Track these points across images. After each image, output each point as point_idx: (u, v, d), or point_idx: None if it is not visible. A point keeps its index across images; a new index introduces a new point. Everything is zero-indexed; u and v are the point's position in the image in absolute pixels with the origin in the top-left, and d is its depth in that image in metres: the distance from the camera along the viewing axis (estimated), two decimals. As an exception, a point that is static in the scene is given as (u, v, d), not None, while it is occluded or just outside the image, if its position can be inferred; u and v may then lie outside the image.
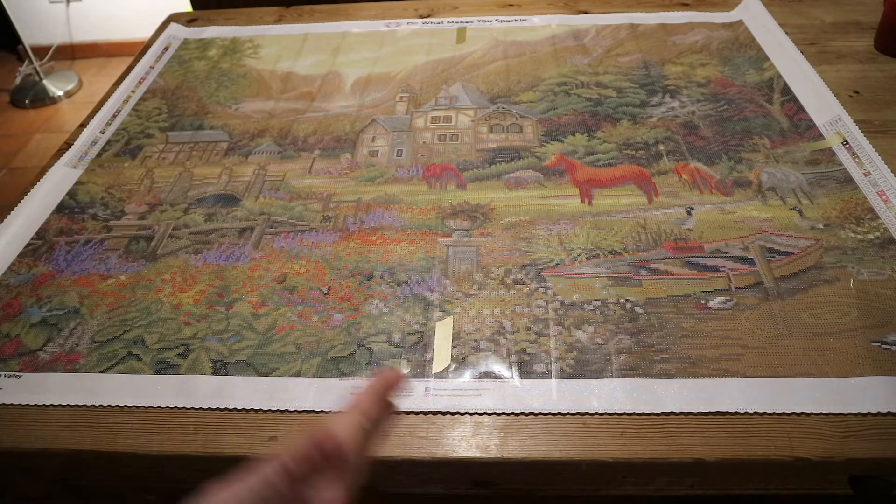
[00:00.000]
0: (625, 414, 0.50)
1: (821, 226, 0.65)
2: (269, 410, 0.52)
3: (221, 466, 0.51)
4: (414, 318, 0.59)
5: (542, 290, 0.60)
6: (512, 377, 0.53)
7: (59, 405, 0.54)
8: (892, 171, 0.69)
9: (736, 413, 0.50)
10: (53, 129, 2.39)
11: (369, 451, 0.38)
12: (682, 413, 0.50)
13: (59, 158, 0.82)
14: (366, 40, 1.04)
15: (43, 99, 2.52)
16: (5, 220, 0.72)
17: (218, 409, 0.53)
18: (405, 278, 0.63)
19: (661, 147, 0.77)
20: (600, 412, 0.50)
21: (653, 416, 0.50)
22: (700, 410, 0.50)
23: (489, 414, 0.51)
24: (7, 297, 0.64)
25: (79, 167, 0.81)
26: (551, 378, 0.53)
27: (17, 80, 2.60)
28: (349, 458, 0.35)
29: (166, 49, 1.05)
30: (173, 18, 1.14)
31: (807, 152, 0.74)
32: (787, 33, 0.93)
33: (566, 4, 1.09)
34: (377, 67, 0.97)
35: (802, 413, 0.49)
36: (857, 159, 0.71)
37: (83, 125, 0.89)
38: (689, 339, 0.55)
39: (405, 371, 0.55)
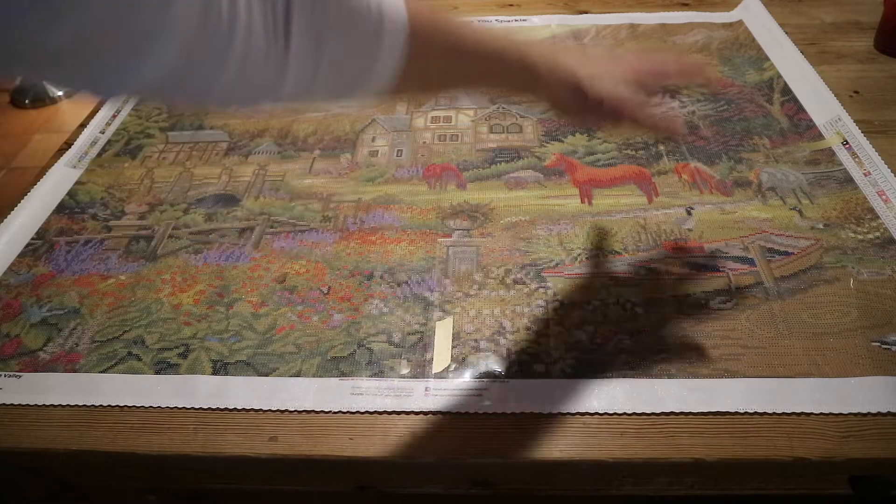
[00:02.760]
0: (625, 414, 0.50)
1: (821, 226, 0.65)
2: (269, 410, 0.52)
3: (221, 466, 0.52)
4: (414, 318, 0.59)
5: (542, 290, 0.60)
6: (512, 377, 0.53)
7: (59, 405, 0.54)
8: (892, 171, 0.69)
9: (736, 413, 0.50)
10: (53, 129, 2.39)
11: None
12: (682, 413, 0.50)
13: (59, 158, 0.82)
14: (366, 40, 1.04)
15: (43, 99, 2.52)
16: (5, 220, 0.72)
17: (218, 409, 0.53)
18: (405, 278, 0.63)
19: (661, 147, 0.77)
20: (600, 412, 0.50)
21: (653, 416, 0.50)
22: (700, 410, 0.50)
23: (489, 414, 0.51)
24: (7, 297, 0.64)
25: (79, 167, 0.81)
26: (551, 378, 0.53)
27: (17, 80, 2.60)
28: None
29: (166, 49, 1.05)
30: (173, 18, 1.13)
31: (807, 152, 0.74)
32: (787, 33, 0.93)
33: (566, 4, 1.09)
34: (377, 67, 0.97)
35: (802, 413, 0.49)
36: (857, 159, 0.71)
37: (83, 125, 0.89)
38: (690, 339, 0.55)
39: (405, 371, 0.55)
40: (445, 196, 0.73)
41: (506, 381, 0.53)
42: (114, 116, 0.90)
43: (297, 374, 0.55)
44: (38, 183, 0.78)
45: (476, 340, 0.57)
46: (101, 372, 0.56)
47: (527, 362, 0.54)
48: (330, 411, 0.52)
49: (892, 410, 0.49)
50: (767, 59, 0.90)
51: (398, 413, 0.52)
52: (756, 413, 0.49)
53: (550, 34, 1.01)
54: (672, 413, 0.50)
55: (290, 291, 0.62)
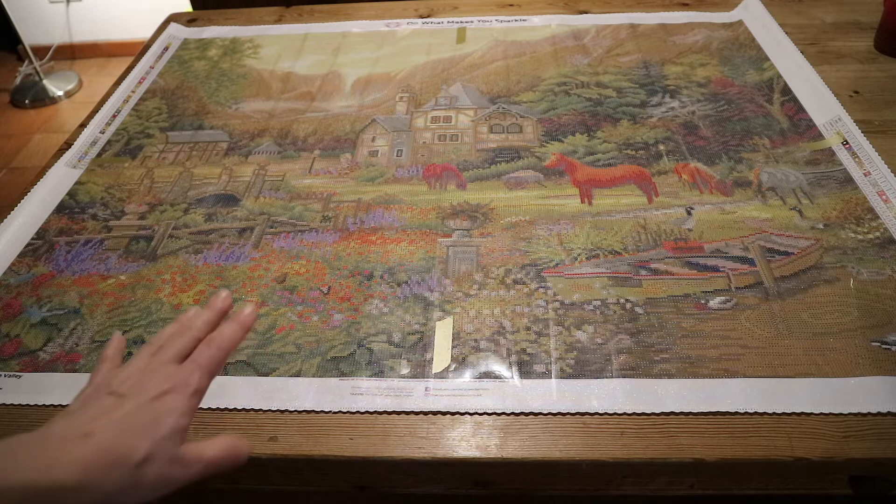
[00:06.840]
0: (625, 414, 0.50)
1: (821, 226, 0.65)
2: (269, 410, 0.52)
3: (221, 466, 0.51)
4: (414, 318, 0.59)
5: (542, 290, 0.60)
6: (512, 377, 0.53)
7: (59, 405, 0.54)
8: (892, 171, 0.69)
9: (736, 413, 0.50)
10: (53, 129, 2.39)
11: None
12: (682, 413, 0.50)
13: (59, 158, 0.82)
14: (366, 40, 1.04)
15: (43, 99, 2.52)
16: (5, 220, 0.72)
17: (218, 409, 0.53)
18: (405, 278, 0.63)
19: (661, 147, 0.77)
20: (600, 412, 0.50)
21: (653, 416, 0.50)
22: (700, 410, 0.50)
23: (489, 414, 0.51)
24: (7, 297, 0.64)
25: (79, 167, 0.81)
26: (551, 378, 0.53)
27: (17, 80, 2.60)
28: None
29: (166, 49, 1.05)
30: (173, 18, 1.14)
31: (807, 152, 0.74)
32: (787, 33, 0.93)
33: (566, 4, 1.09)
34: (377, 67, 0.97)
35: (802, 413, 0.49)
36: (857, 159, 0.71)
37: (83, 125, 0.89)
38: (689, 339, 0.55)
39: (405, 371, 0.55)
40: (445, 196, 0.73)
41: (506, 381, 0.53)
42: (114, 116, 0.90)
43: (297, 374, 0.55)
44: (38, 183, 0.78)
45: (476, 340, 0.57)
46: (101, 372, 0.56)
47: (527, 362, 0.54)
48: (330, 411, 0.52)
49: (892, 410, 0.49)
50: (767, 59, 0.90)
51: (398, 413, 0.52)
52: (756, 413, 0.49)
53: (550, 34, 1.01)
54: (672, 413, 0.50)
55: (290, 291, 0.62)
